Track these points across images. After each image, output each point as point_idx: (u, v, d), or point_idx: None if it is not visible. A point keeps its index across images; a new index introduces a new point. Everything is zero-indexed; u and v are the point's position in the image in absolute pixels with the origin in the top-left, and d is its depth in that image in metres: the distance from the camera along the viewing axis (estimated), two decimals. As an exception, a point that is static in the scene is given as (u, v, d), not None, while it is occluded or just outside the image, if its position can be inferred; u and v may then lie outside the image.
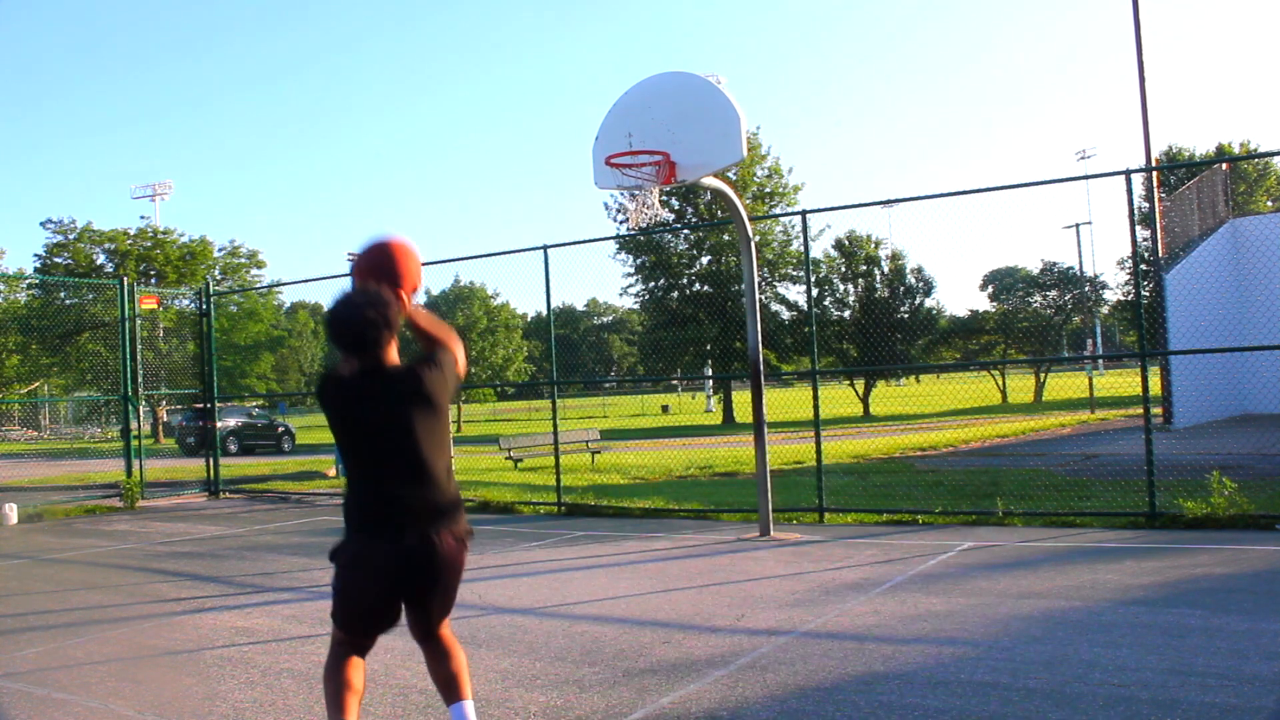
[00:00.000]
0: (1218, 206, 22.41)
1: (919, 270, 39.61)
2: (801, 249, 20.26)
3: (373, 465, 3.55)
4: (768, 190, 37.40)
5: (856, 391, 41.00)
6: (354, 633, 3.59)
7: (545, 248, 11.60)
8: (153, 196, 61.21)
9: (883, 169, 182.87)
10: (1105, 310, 44.78)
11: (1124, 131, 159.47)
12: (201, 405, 19.13)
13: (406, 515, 3.49)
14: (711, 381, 48.75)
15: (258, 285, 44.97)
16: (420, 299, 3.77)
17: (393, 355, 3.64)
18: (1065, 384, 46.56)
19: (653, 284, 38.96)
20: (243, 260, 46.91)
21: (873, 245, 39.14)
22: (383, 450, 3.53)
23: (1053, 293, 45.19)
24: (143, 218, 55.88)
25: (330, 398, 3.62)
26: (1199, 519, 8.37)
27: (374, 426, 3.53)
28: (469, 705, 3.74)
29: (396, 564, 3.47)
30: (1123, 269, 42.37)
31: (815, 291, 35.38)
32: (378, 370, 3.59)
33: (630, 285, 39.48)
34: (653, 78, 8.71)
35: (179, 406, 37.37)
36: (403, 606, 3.63)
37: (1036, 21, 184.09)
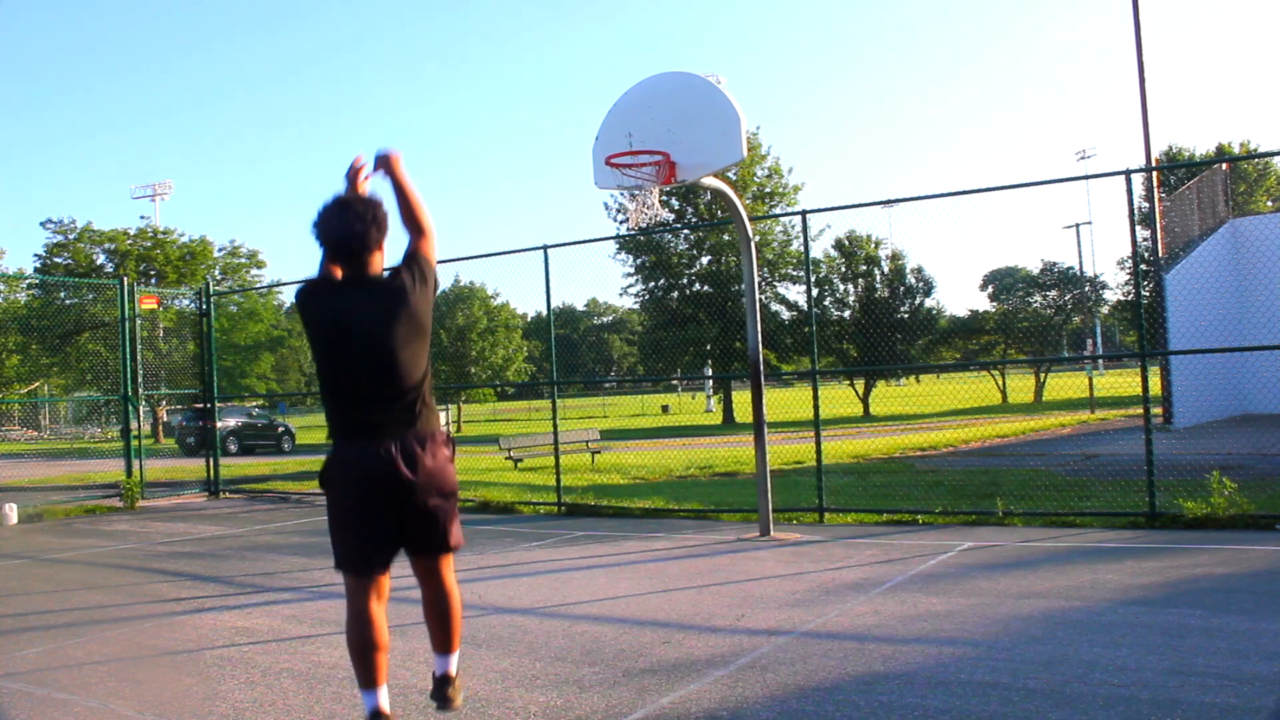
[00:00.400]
0: (1218, 206, 22.41)
1: (919, 270, 39.65)
2: (801, 249, 20.27)
3: (353, 377, 3.53)
4: (768, 190, 37.41)
5: (856, 391, 40.99)
6: (354, 562, 3.54)
7: (545, 248, 11.60)
8: (153, 196, 61.29)
9: (883, 169, 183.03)
10: (1105, 310, 44.80)
11: (1124, 131, 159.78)
12: (201, 405, 19.12)
13: (386, 420, 3.50)
14: (711, 381, 48.76)
15: (258, 285, 44.99)
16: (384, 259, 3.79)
17: (378, 264, 3.65)
18: (1065, 384, 46.55)
19: (653, 284, 38.97)
20: (243, 260, 46.95)
21: (873, 245, 39.16)
22: (364, 363, 3.51)
23: (1053, 293, 45.22)
24: (143, 218, 55.95)
25: (315, 306, 3.59)
26: (1199, 519, 8.37)
27: (356, 338, 3.51)
28: (452, 660, 3.79)
29: (377, 461, 3.45)
30: (1123, 269, 42.45)
31: (815, 291, 35.36)
32: (362, 280, 3.58)
33: (630, 285, 39.54)
34: (653, 78, 8.70)
35: (179, 406, 37.36)
36: (404, 547, 3.62)
37: (1036, 21, 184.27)
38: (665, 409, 58.08)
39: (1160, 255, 18.92)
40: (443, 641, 3.77)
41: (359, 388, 3.53)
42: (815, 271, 37.08)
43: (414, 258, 3.69)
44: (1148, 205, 21.71)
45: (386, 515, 3.52)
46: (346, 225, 3.53)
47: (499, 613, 6.34)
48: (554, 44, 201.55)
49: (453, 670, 3.80)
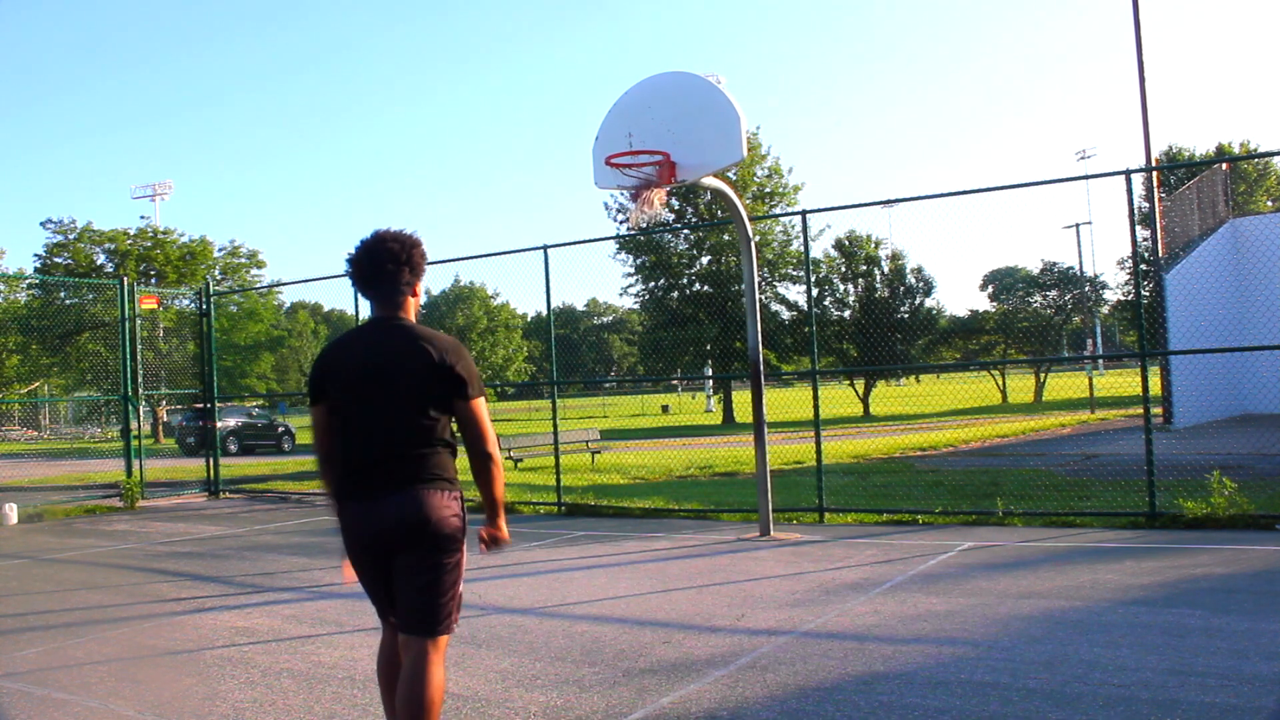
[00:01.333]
0: (1218, 206, 22.41)
1: (919, 270, 39.65)
2: (801, 249, 20.26)
3: (359, 421, 3.35)
4: (768, 190, 37.43)
5: (856, 391, 41.00)
6: (377, 611, 3.51)
7: (545, 248, 11.60)
8: (153, 196, 61.23)
9: (883, 169, 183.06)
10: (1105, 310, 44.80)
11: (1124, 131, 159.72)
12: (201, 405, 19.13)
13: (381, 475, 3.30)
14: (711, 381, 48.76)
15: (258, 285, 44.97)
16: (421, 301, 3.71)
17: (410, 307, 3.52)
18: (1065, 384, 46.56)
19: (653, 284, 38.99)
20: (243, 260, 46.94)
21: (873, 245, 39.16)
22: (373, 406, 3.32)
23: (1053, 293, 45.22)
24: (143, 218, 55.94)
25: (327, 360, 3.44)
26: (1199, 519, 8.37)
27: (372, 375, 3.33)
28: None
29: (367, 521, 3.31)
30: (1123, 269, 42.51)
31: (815, 291, 35.35)
32: (391, 319, 3.44)
33: (630, 285, 39.56)
34: (653, 78, 8.71)
35: (179, 406, 37.37)
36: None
37: (1036, 21, 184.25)
38: (665, 409, 58.06)
39: (1160, 255, 18.92)
40: None
41: (367, 434, 3.33)
42: (815, 271, 37.08)
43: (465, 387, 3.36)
44: (1148, 205, 21.73)
45: (377, 568, 3.38)
46: (378, 264, 3.39)
47: (499, 613, 6.34)
48: (554, 43, 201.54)
49: None
